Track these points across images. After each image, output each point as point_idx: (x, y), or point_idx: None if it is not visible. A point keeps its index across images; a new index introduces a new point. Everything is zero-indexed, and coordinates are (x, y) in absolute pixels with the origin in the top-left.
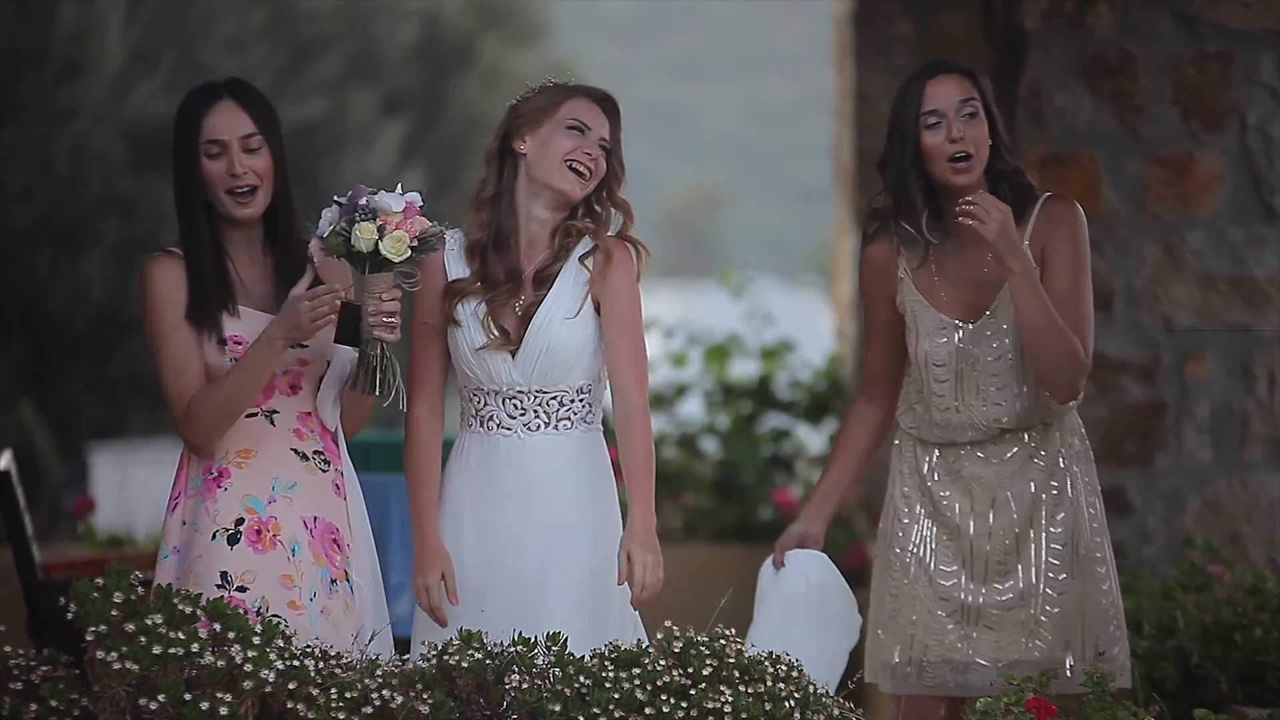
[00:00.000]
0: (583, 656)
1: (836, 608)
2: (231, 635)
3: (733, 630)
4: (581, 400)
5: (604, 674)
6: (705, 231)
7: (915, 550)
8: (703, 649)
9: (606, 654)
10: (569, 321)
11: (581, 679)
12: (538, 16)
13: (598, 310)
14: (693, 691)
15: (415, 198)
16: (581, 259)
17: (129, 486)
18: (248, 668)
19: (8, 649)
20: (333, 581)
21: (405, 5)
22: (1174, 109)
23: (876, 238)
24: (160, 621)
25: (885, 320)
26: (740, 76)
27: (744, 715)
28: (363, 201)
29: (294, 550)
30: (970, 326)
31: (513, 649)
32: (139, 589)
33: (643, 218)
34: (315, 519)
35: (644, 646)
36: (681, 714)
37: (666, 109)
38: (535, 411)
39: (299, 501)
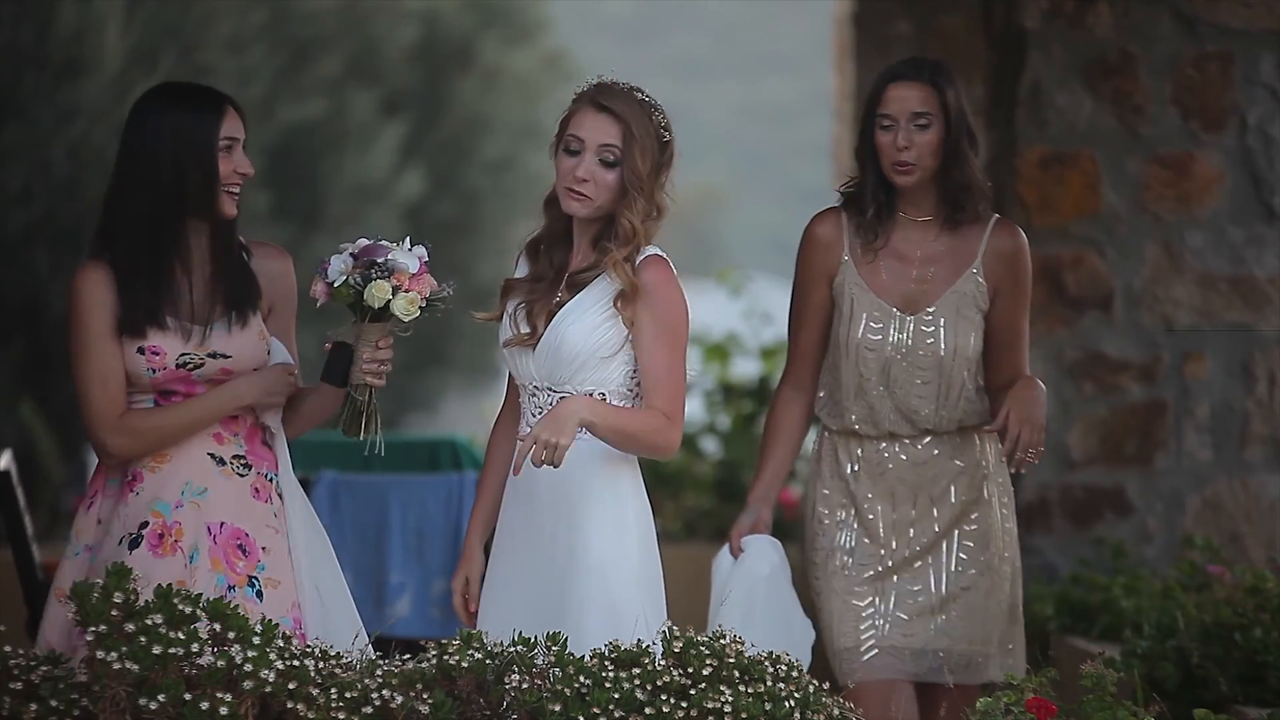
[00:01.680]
0: (583, 656)
1: (790, 594)
2: (231, 635)
3: (733, 630)
4: None
5: (604, 674)
6: (705, 231)
7: (835, 548)
8: (703, 649)
9: (606, 654)
10: (579, 326)
11: (581, 679)
12: (537, 16)
13: (627, 324)
14: (693, 691)
15: (422, 252)
16: (616, 300)
17: None
18: (248, 668)
19: (8, 649)
20: (230, 588)
21: (404, 5)
22: (1174, 109)
23: (824, 216)
24: (160, 621)
25: (820, 301)
26: (740, 76)
27: (744, 715)
28: (381, 260)
29: (192, 557)
30: (909, 319)
31: (513, 649)
32: (137, 589)
33: None
34: (221, 525)
35: (644, 646)
36: (681, 714)
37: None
38: (549, 409)
39: (206, 507)
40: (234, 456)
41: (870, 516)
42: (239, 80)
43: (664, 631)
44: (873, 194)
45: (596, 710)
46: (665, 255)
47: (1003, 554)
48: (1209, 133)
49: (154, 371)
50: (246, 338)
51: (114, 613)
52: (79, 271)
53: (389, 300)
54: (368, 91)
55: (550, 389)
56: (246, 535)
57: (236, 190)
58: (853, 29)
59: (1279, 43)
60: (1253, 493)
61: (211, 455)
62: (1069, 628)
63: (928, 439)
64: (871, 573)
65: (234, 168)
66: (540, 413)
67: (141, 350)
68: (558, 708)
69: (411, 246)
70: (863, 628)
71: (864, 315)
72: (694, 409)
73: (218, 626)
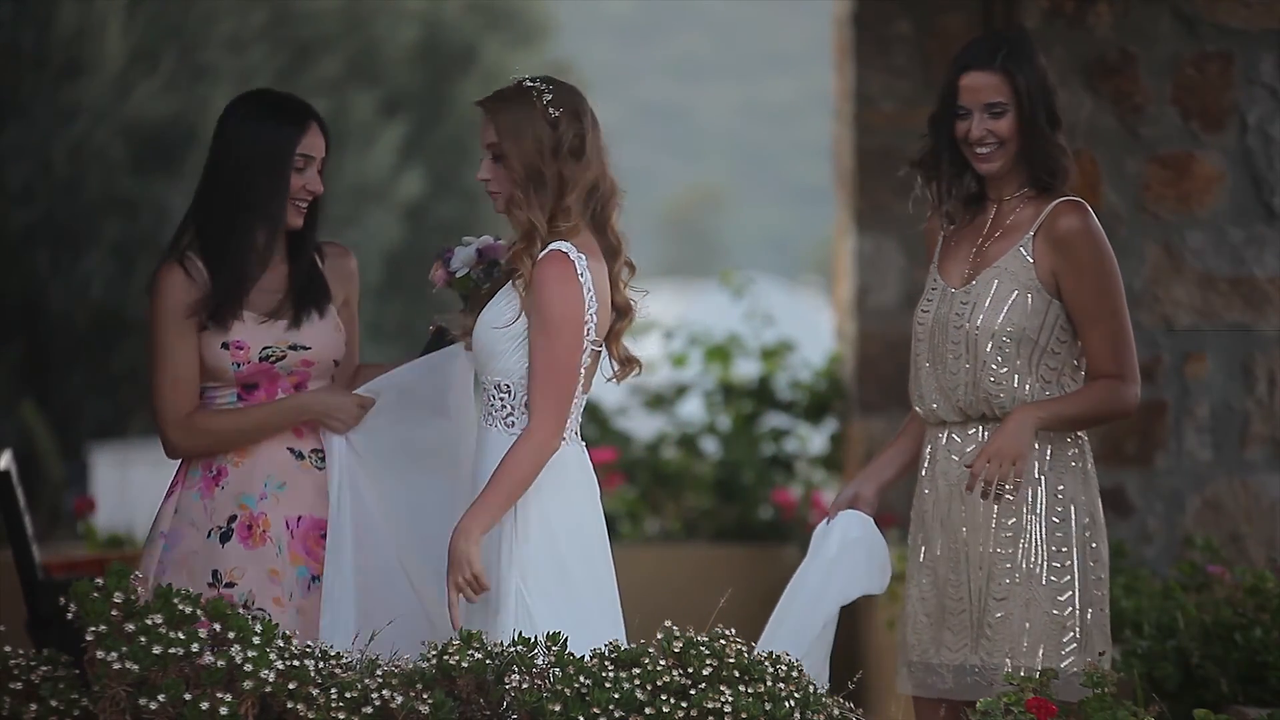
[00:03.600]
0: (583, 656)
1: (863, 563)
2: (231, 635)
3: (732, 630)
4: (500, 398)
5: (604, 674)
6: (705, 231)
7: (912, 545)
8: (703, 649)
9: (606, 654)
10: (483, 318)
11: (581, 679)
12: (538, 17)
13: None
14: (693, 691)
15: None
16: (514, 279)
17: (129, 486)
18: (248, 668)
19: (8, 649)
20: (314, 579)
21: (405, 6)
22: (1174, 109)
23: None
24: (160, 621)
25: None
26: (740, 76)
27: (744, 715)
28: (501, 261)
29: (279, 549)
30: (953, 292)
31: (513, 649)
32: (139, 589)
33: (642, 218)
34: (299, 518)
35: (644, 646)
36: (681, 714)
37: (666, 109)
38: (480, 400)
39: (285, 501)
40: (312, 450)
41: (928, 512)
42: (239, 80)
43: (664, 631)
44: (953, 174)
45: (596, 710)
46: (568, 250)
47: (1050, 563)
48: (1209, 133)
49: (239, 366)
50: (324, 329)
51: (114, 613)
52: (161, 270)
53: None
54: (368, 92)
55: (480, 382)
56: (326, 526)
57: (303, 204)
58: (853, 29)
59: (1279, 43)
60: (1253, 493)
61: (291, 450)
62: None
63: (972, 430)
64: (928, 579)
65: (304, 184)
66: (488, 406)
67: (225, 345)
68: (558, 708)
69: None
70: (923, 641)
71: (924, 291)
72: (694, 409)
73: (218, 627)
